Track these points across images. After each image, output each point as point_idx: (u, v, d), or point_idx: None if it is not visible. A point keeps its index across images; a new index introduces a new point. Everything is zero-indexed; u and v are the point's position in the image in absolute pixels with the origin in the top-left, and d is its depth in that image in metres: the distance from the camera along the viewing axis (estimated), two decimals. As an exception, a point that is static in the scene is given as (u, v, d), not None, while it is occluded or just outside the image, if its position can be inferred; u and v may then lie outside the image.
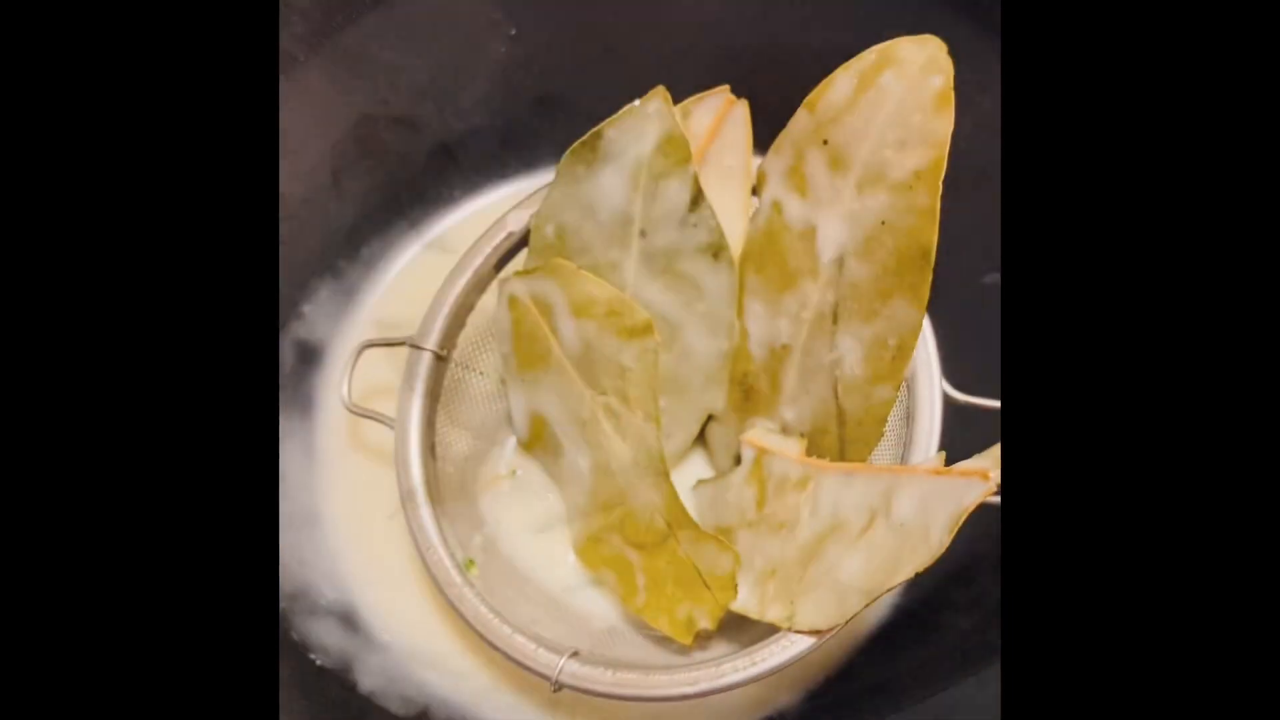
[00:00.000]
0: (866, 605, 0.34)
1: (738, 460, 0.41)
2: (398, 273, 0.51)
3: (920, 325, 0.36)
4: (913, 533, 0.33)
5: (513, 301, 0.40)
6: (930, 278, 0.35)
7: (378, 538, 0.45)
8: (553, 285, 0.39)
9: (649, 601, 0.39)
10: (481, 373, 0.44)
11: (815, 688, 0.44)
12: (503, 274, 0.42)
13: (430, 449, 0.40)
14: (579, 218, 0.40)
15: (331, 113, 0.47)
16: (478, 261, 0.41)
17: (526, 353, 0.41)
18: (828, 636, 0.36)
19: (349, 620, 0.43)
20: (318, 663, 0.42)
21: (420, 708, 0.43)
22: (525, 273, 0.40)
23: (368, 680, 0.42)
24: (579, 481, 0.41)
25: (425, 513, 0.39)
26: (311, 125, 0.46)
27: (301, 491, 0.45)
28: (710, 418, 0.42)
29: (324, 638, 0.43)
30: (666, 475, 0.39)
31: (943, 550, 0.32)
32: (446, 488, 0.43)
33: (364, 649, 0.43)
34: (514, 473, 0.44)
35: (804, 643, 0.36)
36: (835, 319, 0.38)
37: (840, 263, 0.37)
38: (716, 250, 0.39)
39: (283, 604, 0.42)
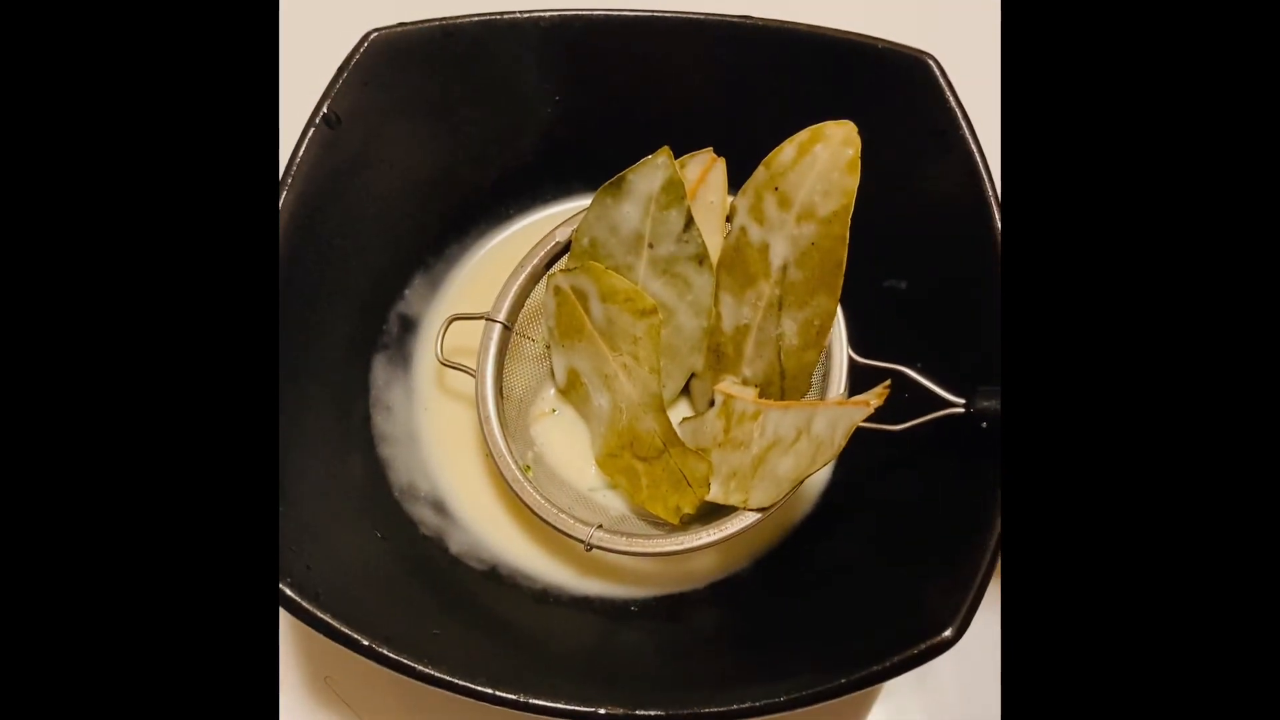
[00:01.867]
0: (794, 488, 0.45)
1: (711, 404, 0.51)
2: (470, 268, 0.60)
3: (835, 312, 0.46)
4: (823, 440, 0.44)
5: (557, 290, 0.51)
6: (841, 281, 0.44)
7: (459, 451, 0.56)
8: (587, 280, 0.50)
9: (649, 496, 0.51)
10: (533, 339, 0.54)
11: (761, 556, 0.54)
12: (551, 271, 0.52)
13: (499, 390, 0.51)
14: (606, 233, 0.50)
15: (426, 151, 0.55)
16: (534, 261, 0.52)
17: (566, 327, 0.51)
18: (771, 511, 0.46)
19: (440, 506, 0.54)
20: (422, 531, 0.52)
21: (491, 565, 0.53)
22: (567, 271, 0.51)
23: (454, 546, 0.53)
24: (601, 416, 0.52)
25: (497, 433, 0.50)
26: (413, 158, 0.55)
27: (404, 420, 0.56)
28: (693, 376, 0.53)
29: (425, 517, 0.53)
30: (663, 410, 0.49)
31: (839, 450, 0.43)
32: (509, 418, 0.52)
33: (451, 526, 0.54)
34: (554, 411, 0.55)
35: (754, 517, 0.47)
36: (780, 307, 0.47)
37: (784, 269, 0.46)
38: (701, 259, 0.49)
39: (395, 494, 0.53)
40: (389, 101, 0.52)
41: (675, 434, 0.50)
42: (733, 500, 0.48)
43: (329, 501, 0.48)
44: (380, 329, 0.57)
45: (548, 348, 0.54)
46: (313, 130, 0.49)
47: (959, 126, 0.48)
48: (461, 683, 0.41)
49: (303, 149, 0.49)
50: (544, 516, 0.49)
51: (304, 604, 0.41)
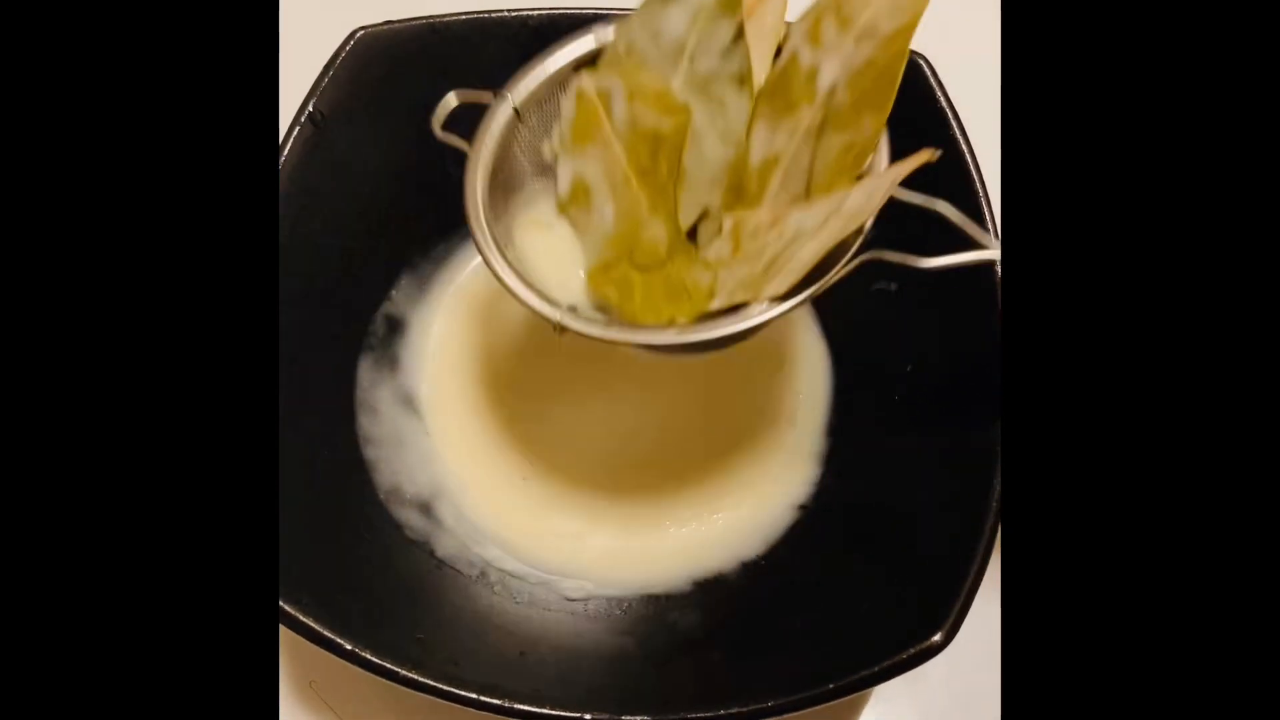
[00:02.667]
0: (819, 258, 0.40)
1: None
2: (458, 269, 0.60)
3: (880, 135, 0.41)
4: (857, 209, 0.39)
5: (579, 93, 0.46)
6: (892, 101, 0.40)
7: (447, 454, 0.56)
8: (616, 79, 0.45)
9: (642, 306, 0.45)
10: (533, 128, 0.47)
11: (749, 560, 0.54)
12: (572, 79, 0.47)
13: (492, 171, 0.45)
14: (647, 40, 0.45)
15: (412, 150, 0.52)
16: (557, 63, 0.47)
17: (580, 131, 0.46)
18: (787, 306, 0.41)
19: (427, 510, 0.54)
20: (408, 535, 0.52)
21: (478, 569, 0.53)
22: (595, 70, 0.46)
23: (441, 550, 0.53)
24: (602, 226, 0.46)
25: (480, 203, 0.44)
26: (400, 157, 0.54)
27: (390, 422, 0.56)
28: (703, 215, 0.46)
29: (411, 520, 0.53)
30: (675, 216, 0.45)
31: (875, 211, 0.39)
32: (497, 212, 0.46)
33: (438, 529, 0.54)
34: (547, 226, 0.48)
35: (759, 314, 0.41)
36: (819, 134, 0.42)
37: (832, 92, 0.41)
38: (742, 80, 0.44)
39: (380, 496, 0.53)
40: (376, 100, 0.52)
41: (684, 241, 0.46)
42: (738, 299, 0.43)
43: (312, 504, 0.48)
44: (366, 330, 0.57)
45: (554, 157, 0.49)
46: (298, 129, 0.49)
47: (949, 126, 0.48)
48: (446, 688, 0.41)
49: (288, 148, 0.49)
50: (513, 289, 0.44)
51: (288, 608, 0.41)
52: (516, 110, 0.47)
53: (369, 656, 0.41)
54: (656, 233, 0.45)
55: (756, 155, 0.44)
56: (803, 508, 0.55)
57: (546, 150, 0.48)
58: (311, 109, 0.50)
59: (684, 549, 0.54)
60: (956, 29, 0.39)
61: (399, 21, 0.52)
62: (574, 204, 0.48)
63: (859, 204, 0.39)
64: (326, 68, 0.50)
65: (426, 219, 0.58)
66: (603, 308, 0.46)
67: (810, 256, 0.40)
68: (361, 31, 0.51)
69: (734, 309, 0.43)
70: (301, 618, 0.41)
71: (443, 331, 0.58)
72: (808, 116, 0.42)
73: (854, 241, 0.40)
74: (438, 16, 0.52)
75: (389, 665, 0.41)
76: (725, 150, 0.45)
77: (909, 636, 0.40)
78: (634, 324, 0.45)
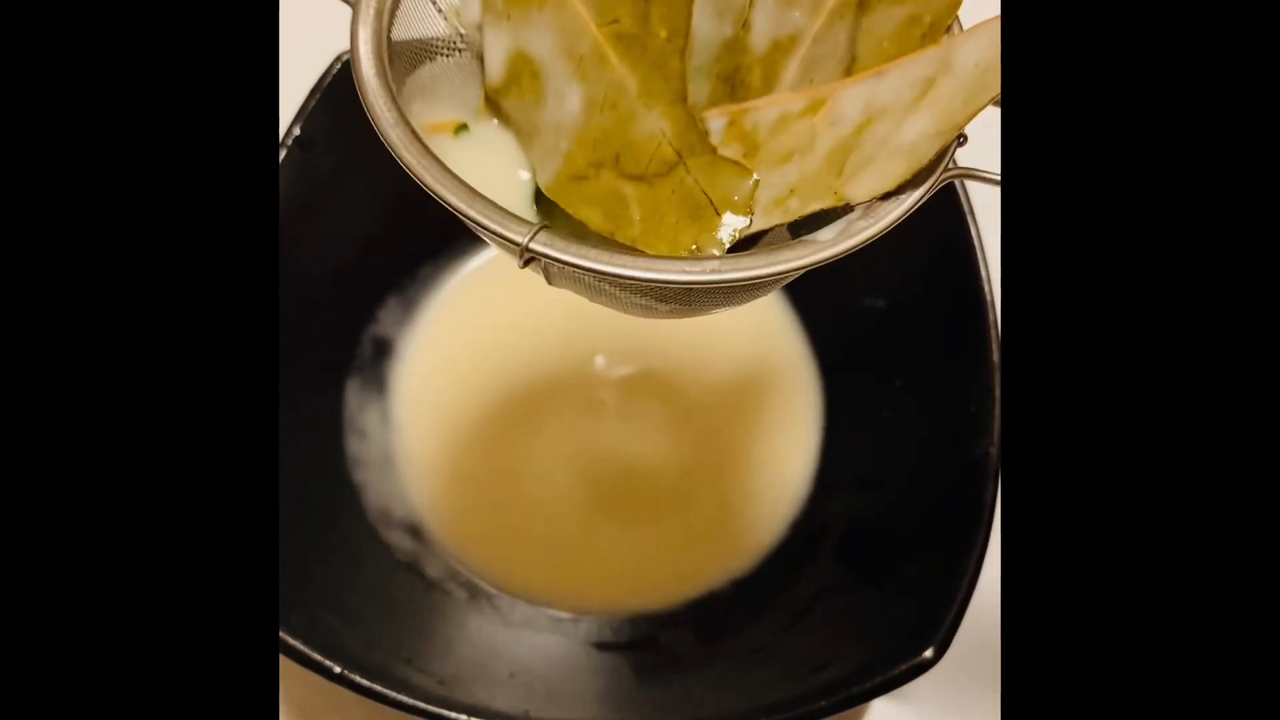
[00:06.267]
0: (948, 141, 0.29)
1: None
2: (446, 291, 0.60)
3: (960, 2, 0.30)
4: (993, 63, 0.28)
5: None
6: None
7: (436, 476, 0.56)
8: None
9: (645, 230, 0.32)
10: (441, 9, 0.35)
11: (739, 577, 0.53)
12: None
13: (385, 34, 0.33)
14: None
15: (399, 172, 0.57)
16: None
17: None
18: (901, 210, 0.30)
19: (416, 532, 0.54)
20: (397, 557, 0.52)
21: (468, 591, 0.53)
22: None
23: (430, 571, 0.53)
24: (563, 123, 0.33)
25: (372, 76, 0.32)
26: (386, 180, 0.57)
27: (379, 444, 0.56)
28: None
29: (400, 542, 0.53)
30: (683, 99, 0.32)
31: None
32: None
33: (428, 551, 0.53)
34: (463, 128, 0.35)
35: (868, 225, 0.29)
36: (862, 4, 0.31)
37: None
38: None
39: (369, 519, 0.53)
40: (362, 124, 0.51)
41: (699, 134, 0.32)
42: (809, 209, 0.31)
43: (300, 527, 0.48)
44: (353, 352, 0.57)
45: (477, 29, 0.35)
46: (285, 152, 0.49)
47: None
48: (436, 710, 0.41)
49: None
50: (459, 208, 0.30)
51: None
52: None
53: (359, 680, 0.41)
54: (655, 125, 0.32)
55: (761, 35, 0.33)
56: (794, 525, 0.55)
57: (451, 16, 0.35)
58: (299, 133, 0.50)
59: (675, 568, 0.54)
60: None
61: (385, 45, 0.52)
62: (513, 88, 0.34)
63: (979, 55, 0.29)
64: (313, 91, 0.51)
65: (413, 241, 0.59)
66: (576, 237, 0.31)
67: (928, 133, 0.29)
68: (348, 55, 0.51)
69: (806, 222, 0.31)
70: (290, 640, 0.41)
71: (429, 353, 0.58)
72: None
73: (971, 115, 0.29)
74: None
75: (378, 688, 0.41)
76: (720, 27, 0.33)
77: (900, 652, 0.40)
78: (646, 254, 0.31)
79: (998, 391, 0.45)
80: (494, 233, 0.29)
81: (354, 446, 0.55)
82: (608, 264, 0.29)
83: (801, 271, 0.30)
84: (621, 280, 0.30)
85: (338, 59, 0.51)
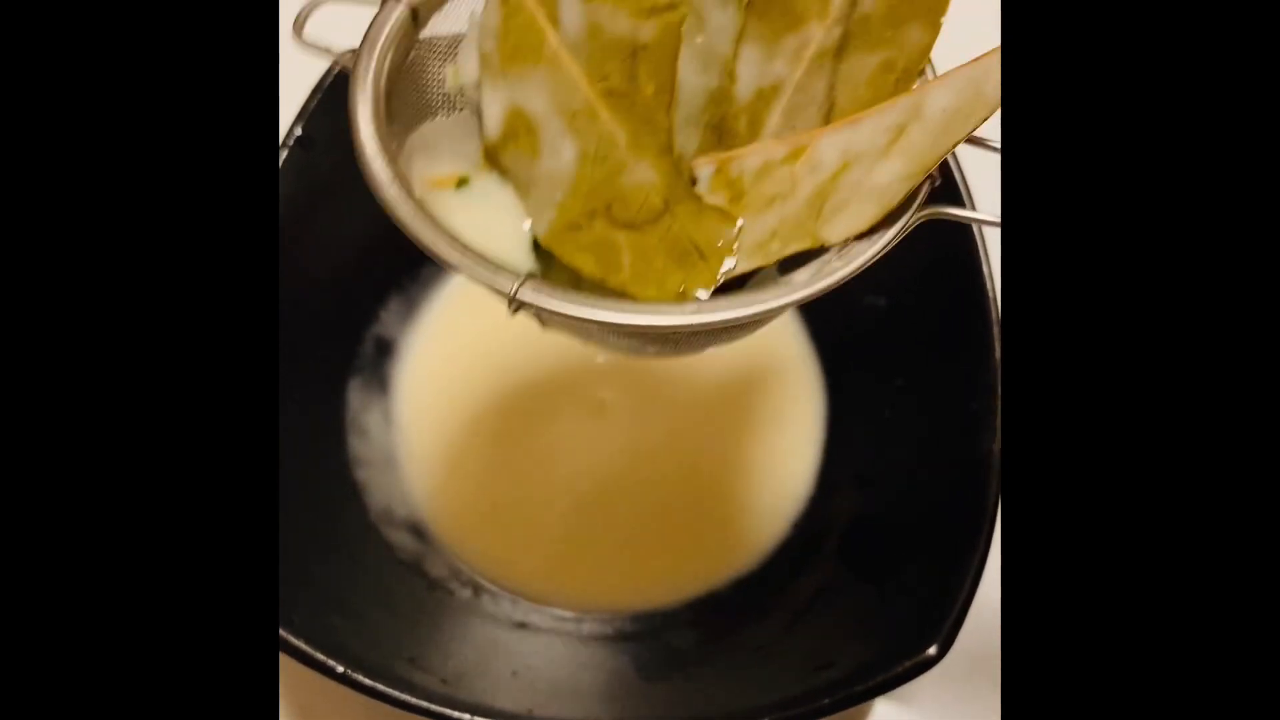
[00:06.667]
0: (916, 184, 0.31)
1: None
2: (447, 291, 0.59)
3: (931, 47, 0.32)
4: (960, 108, 0.30)
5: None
6: (949, 5, 0.32)
7: (439, 475, 0.55)
8: None
9: (634, 275, 0.34)
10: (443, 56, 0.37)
11: (741, 577, 0.53)
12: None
13: (384, 95, 0.35)
14: None
15: None
16: None
17: (514, 48, 0.35)
18: (874, 250, 0.31)
19: (419, 531, 0.54)
20: (399, 556, 0.52)
21: (471, 590, 0.53)
22: None
23: (433, 571, 0.53)
24: (557, 175, 0.35)
25: (372, 142, 0.34)
26: None
27: (381, 443, 0.56)
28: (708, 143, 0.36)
29: (403, 541, 0.53)
30: (669, 151, 0.34)
31: (998, 103, 0.29)
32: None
33: (430, 550, 0.53)
34: (463, 182, 0.36)
35: (838, 268, 0.31)
36: (838, 55, 0.33)
37: (854, 1, 0.33)
38: None
39: (371, 518, 0.52)
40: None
41: (685, 185, 0.34)
42: (788, 251, 0.33)
43: (302, 526, 0.47)
44: (355, 351, 0.57)
45: (476, 87, 0.36)
46: (286, 152, 0.49)
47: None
48: (439, 709, 0.41)
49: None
50: (450, 261, 0.32)
51: (279, 631, 0.40)
52: (415, 10, 0.35)
53: (362, 679, 0.41)
54: (644, 176, 0.34)
55: (745, 86, 0.35)
56: (796, 524, 0.55)
57: (451, 76, 0.37)
58: (300, 133, 0.50)
59: (677, 567, 0.54)
60: (957, 29, 0.39)
61: (387, 44, 0.51)
62: (510, 144, 0.35)
63: (947, 101, 0.30)
64: (314, 92, 0.50)
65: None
66: (573, 284, 0.34)
67: (901, 175, 0.31)
68: (349, 54, 0.51)
69: (786, 261, 0.33)
70: (293, 640, 0.41)
71: (431, 353, 0.58)
72: (819, 35, 0.33)
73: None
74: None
75: (381, 688, 0.41)
76: (705, 78, 0.35)
77: (903, 650, 0.40)
78: (632, 299, 0.33)
79: (999, 390, 0.44)
80: (483, 283, 0.31)
81: (356, 446, 0.55)
82: (591, 310, 0.31)
83: (780, 313, 0.32)
84: (605, 325, 0.31)
85: (338, 59, 0.51)
